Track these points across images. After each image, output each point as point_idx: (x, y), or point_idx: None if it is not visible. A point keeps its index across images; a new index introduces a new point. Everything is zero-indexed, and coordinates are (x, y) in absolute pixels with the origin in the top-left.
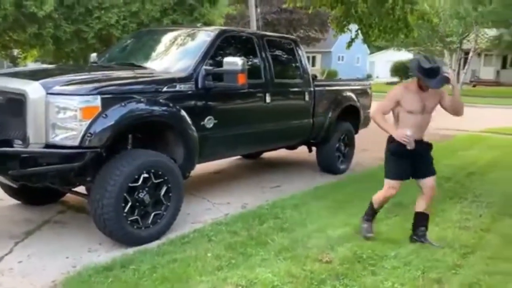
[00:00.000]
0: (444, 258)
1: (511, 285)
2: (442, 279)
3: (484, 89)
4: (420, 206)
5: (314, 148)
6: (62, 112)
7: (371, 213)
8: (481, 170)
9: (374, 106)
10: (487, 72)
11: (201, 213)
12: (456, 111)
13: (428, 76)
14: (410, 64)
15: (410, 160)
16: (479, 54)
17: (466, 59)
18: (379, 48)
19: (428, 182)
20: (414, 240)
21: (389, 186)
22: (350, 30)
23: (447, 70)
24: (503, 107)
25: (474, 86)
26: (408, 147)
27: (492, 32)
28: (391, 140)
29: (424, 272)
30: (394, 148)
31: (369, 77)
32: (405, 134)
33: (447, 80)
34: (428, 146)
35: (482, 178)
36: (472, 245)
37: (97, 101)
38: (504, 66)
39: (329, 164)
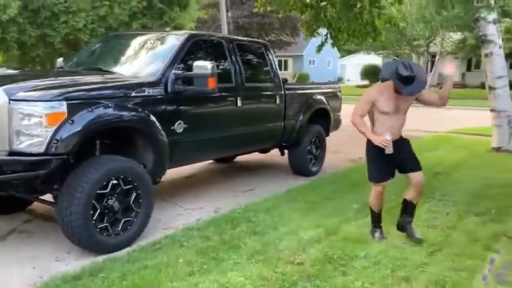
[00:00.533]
0: (412, 257)
1: (475, 282)
2: (410, 277)
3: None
4: (410, 195)
5: (286, 151)
6: (27, 118)
7: (376, 218)
8: (448, 170)
9: (351, 110)
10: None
11: (173, 219)
12: (445, 101)
13: (404, 83)
14: (386, 68)
15: (391, 159)
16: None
17: (433, 62)
18: (349, 52)
19: (414, 177)
20: (400, 228)
21: (375, 188)
22: (320, 34)
23: (446, 59)
24: (469, 108)
25: (440, 88)
26: (387, 152)
27: (457, 35)
28: (369, 141)
29: (393, 271)
30: (373, 151)
31: (340, 80)
32: (383, 139)
33: (423, 86)
34: (406, 142)
35: (448, 177)
36: (439, 243)
37: (63, 107)
38: (469, 68)
39: (301, 166)
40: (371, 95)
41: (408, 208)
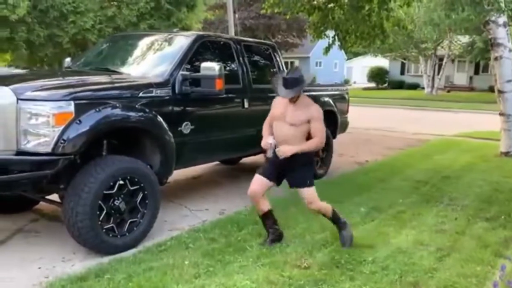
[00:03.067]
0: (421, 262)
1: None
2: (419, 282)
3: (458, 94)
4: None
5: None
6: (34, 118)
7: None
8: (456, 174)
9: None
10: (461, 78)
11: (179, 220)
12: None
13: (283, 85)
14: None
15: (276, 168)
16: (452, 60)
17: (440, 65)
18: (356, 54)
19: (301, 193)
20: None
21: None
22: (327, 36)
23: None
24: (476, 112)
25: (448, 91)
26: (267, 155)
27: (465, 38)
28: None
29: (401, 276)
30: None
31: (346, 82)
32: (266, 141)
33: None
34: (302, 160)
35: (456, 181)
36: (447, 248)
37: (70, 107)
38: (476, 72)
39: None
40: (274, 101)
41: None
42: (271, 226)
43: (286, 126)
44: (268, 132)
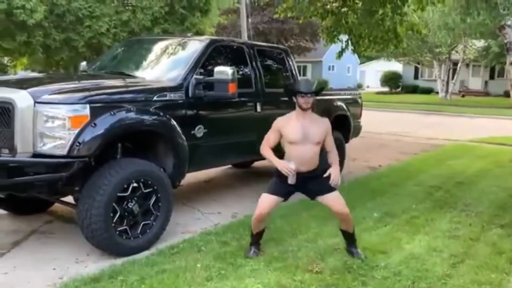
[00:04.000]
0: (434, 268)
1: None
2: None
3: (472, 99)
4: (341, 225)
5: None
6: (51, 121)
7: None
8: (470, 180)
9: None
10: (476, 83)
11: (191, 223)
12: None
13: (305, 84)
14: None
15: (294, 187)
16: (467, 65)
17: (455, 70)
18: (370, 58)
19: (329, 199)
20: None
21: (261, 200)
22: (341, 40)
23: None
24: (492, 117)
25: (463, 96)
26: (289, 181)
27: (480, 43)
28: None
29: (414, 282)
30: (277, 174)
31: (359, 86)
32: (288, 166)
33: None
34: (314, 174)
35: (471, 187)
36: (461, 254)
37: (86, 110)
38: (492, 76)
39: None
40: (277, 122)
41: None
42: (258, 241)
43: (309, 145)
44: (275, 156)
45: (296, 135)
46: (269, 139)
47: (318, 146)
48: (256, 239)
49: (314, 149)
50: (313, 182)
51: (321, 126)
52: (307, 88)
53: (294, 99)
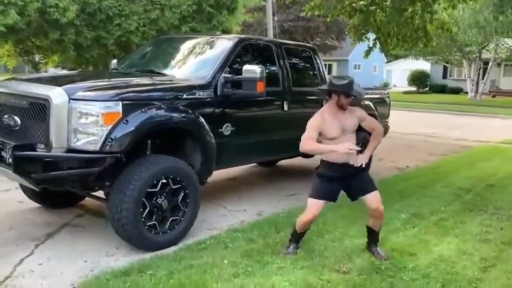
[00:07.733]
0: (464, 271)
1: None
2: None
3: (504, 99)
4: (369, 221)
5: None
6: (84, 117)
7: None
8: (501, 182)
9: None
10: (507, 82)
11: (217, 220)
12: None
13: (353, 87)
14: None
15: (341, 184)
16: (499, 64)
17: (485, 69)
18: (397, 57)
19: (369, 198)
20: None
21: (310, 205)
22: (368, 39)
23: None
24: None
25: (493, 96)
26: (351, 162)
27: None
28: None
29: (443, 285)
30: (321, 173)
31: (386, 85)
32: (345, 145)
33: None
34: (357, 168)
35: (502, 190)
36: (492, 258)
37: (118, 107)
38: None
39: None
40: (317, 122)
41: (371, 237)
42: (300, 239)
43: (348, 135)
44: (323, 145)
45: (336, 130)
46: (311, 136)
47: (354, 133)
48: (300, 237)
49: (352, 138)
50: (355, 180)
51: (353, 117)
52: (360, 93)
53: (333, 97)
